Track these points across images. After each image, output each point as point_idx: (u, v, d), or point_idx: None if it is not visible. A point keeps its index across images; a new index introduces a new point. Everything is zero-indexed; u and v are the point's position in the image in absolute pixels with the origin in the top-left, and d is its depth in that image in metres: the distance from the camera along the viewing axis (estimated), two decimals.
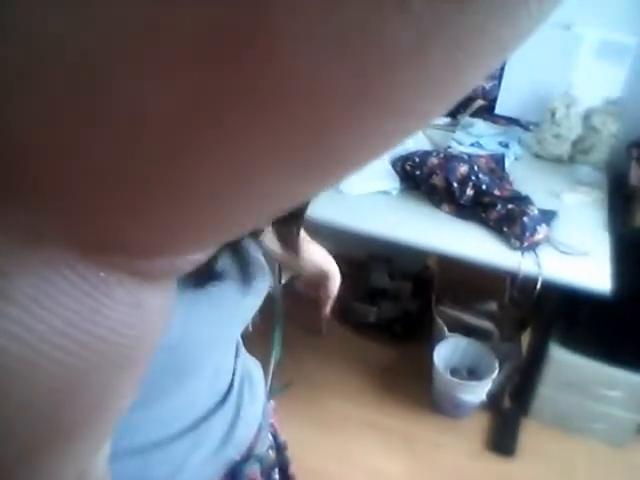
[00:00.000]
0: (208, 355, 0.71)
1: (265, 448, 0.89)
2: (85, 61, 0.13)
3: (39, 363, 0.17)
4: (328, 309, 1.18)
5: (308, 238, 1.08)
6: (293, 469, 0.99)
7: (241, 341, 0.85)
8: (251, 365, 0.89)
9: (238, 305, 0.70)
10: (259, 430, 0.86)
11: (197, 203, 0.17)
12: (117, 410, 0.23)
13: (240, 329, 0.78)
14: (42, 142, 0.15)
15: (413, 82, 0.14)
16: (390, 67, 0.13)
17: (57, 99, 0.14)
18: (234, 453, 0.80)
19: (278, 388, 2.40)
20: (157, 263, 0.20)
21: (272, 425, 0.94)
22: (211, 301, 0.64)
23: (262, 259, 0.72)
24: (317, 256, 1.09)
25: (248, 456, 0.83)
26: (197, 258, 0.21)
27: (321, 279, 1.12)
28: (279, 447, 0.95)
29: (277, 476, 0.91)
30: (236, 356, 0.83)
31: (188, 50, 0.12)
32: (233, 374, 0.80)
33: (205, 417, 0.74)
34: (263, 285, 0.76)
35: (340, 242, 2.50)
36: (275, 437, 0.94)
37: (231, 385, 0.79)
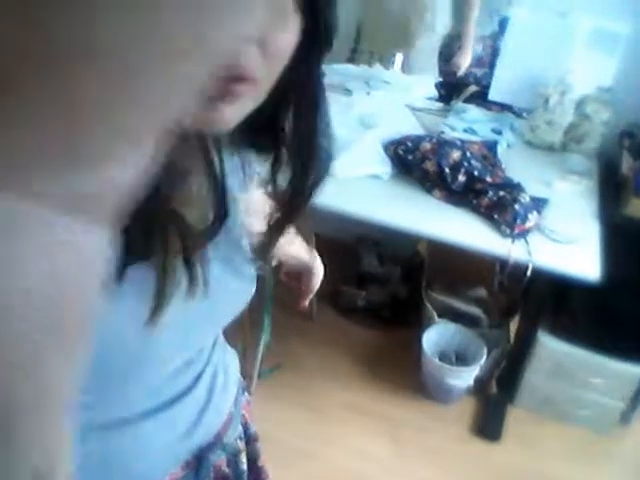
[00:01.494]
0: (176, 353, 0.69)
1: (234, 438, 0.88)
2: None
3: None
4: (306, 303, 1.18)
5: (294, 233, 1.07)
6: (263, 460, 0.98)
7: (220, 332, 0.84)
8: (227, 355, 0.87)
9: (214, 306, 0.68)
10: (229, 419, 0.85)
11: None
12: (57, 394, 0.22)
13: (215, 329, 0.77)
14: None
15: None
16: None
17: None
18: (201, 439, 0.79)
19: (266, 371, 2.41)
20: (96, 181, 0.20)
21: (243, 416, 0.92)
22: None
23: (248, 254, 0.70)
24: (302, 251, 1.10)
25: (215, 443, 0.82)
26: (134, 174, 0.21)
27: (303, 272, 1.13)
28: (249, 438, 0.94)
29: (245, 466, 0.90)
30: (212, 345, 0.81)
31: None
32: (206, 364, 0.79)
33: (172, 401, 0.73)
34: (247, 283, 0.73)
35: (330, 225, 2.49)
36: (246, 428, 0.93)
37: (203, 373, 0.78)
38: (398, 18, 2.54)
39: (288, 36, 0.47)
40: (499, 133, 2.37)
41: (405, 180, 2.03)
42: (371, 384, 2.40)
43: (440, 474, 2.10)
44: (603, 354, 2.09)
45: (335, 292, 2.73)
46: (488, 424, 2.26)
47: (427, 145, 2.02)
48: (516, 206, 1.80)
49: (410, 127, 2.28)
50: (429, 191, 1.98)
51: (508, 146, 2.34)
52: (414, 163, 2.01)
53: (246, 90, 0.47)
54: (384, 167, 2.04)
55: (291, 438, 2.17)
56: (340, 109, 2.34)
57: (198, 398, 0.77)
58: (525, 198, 1.86)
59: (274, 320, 2.22)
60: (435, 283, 2.47)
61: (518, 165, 2.17)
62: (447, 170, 1.93)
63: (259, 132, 0.59)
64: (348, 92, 2.58)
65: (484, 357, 2.21)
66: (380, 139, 2.12)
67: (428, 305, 2.38)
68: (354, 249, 2.85)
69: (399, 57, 2.72)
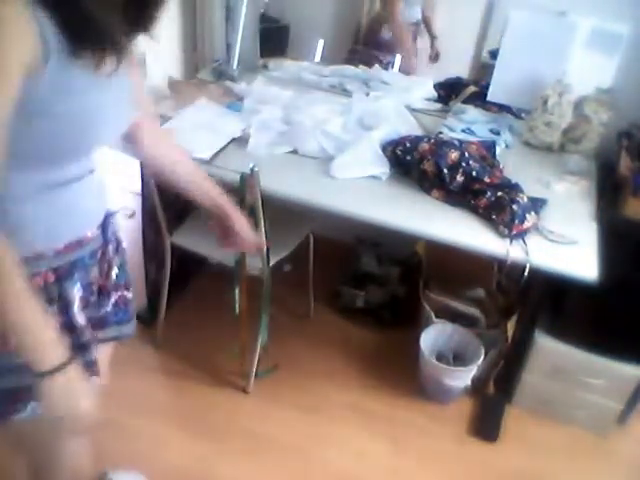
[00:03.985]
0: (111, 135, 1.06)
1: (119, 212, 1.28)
2: None
3: None
4: (251, 248, 1.34)
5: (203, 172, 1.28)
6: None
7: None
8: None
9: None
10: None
11: None
12: None
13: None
14: None
15: None
16: None
17: None
18: (105, 208, 1.18)
19: (264, 371, 2.41)
20: None
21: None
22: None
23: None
24: (213, 191, 1.29)
25: (111, 215, 1.22)
26: None
27: (221, 220, 1.29)
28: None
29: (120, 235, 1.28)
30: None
31: None
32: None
33: (87, 174, 1.07)
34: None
35: (329, 226, 2.49)
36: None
37: (93, 170, 1.10)
38: None
39: None
40: (497, 134, 2.37)
41: (403, 180, 2.04)
42: (369, 384, 2.40)
43: (438, 474, 2.10)
44: (600, 355, 2.10)
45: (334, 292, 2.73)
46: (486, 424, 2.27)
47: (425, 145, 2.02)
48: (514, 206, 1.81)
49: (409, 128, 2.28)
50: (427, 191, 1.98)
51: (506, 147, 2.34)
52: (412, 163, 2.01)
53: None
54: (382, 168, 2.05)
55: (289, 438, 2.17)
56: (339, 110, 2.34)
57: (98, 178, 1.12)
58: (523, 198, 1.86)
59: (272, 320, 2.23)
60: (433, 283, 2.48)
61: (516, 166, 2.17)
62: (445, 170, 1.93)
63: None
64: (347, 93, 2.58)
65: (482, 357, 2.22)
66: (379, 140, 2.13)
67: (426, 305, 2.39)
68: (353, 249, 2.85)
69: (398, 58, 2.73)
